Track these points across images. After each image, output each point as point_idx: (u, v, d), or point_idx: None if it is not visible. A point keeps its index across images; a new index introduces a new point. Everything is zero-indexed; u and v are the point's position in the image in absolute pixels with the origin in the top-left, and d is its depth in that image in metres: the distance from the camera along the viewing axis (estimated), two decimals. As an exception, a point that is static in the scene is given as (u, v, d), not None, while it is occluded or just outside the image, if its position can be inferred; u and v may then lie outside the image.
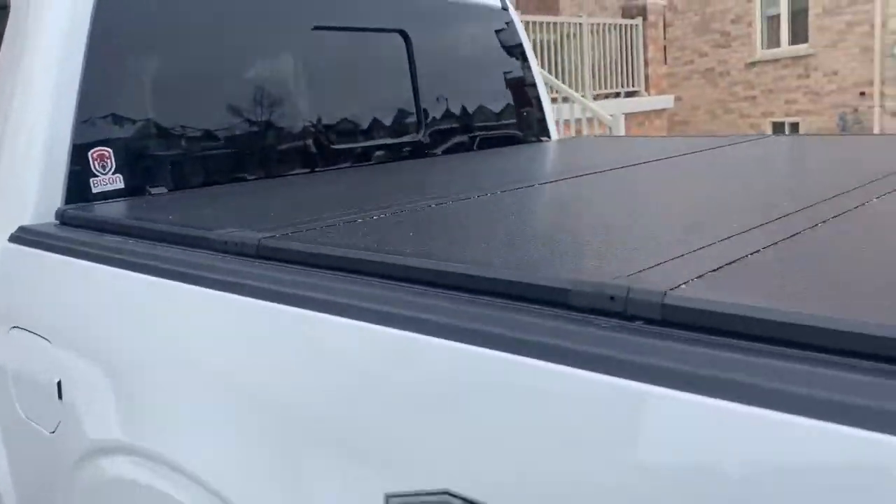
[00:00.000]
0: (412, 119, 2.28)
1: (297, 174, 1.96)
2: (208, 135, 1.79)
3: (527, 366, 0.70)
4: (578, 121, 7.46)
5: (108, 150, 1.59)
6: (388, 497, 0.81)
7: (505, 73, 2.61)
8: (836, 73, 12.49)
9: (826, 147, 2.08)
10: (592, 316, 0.73)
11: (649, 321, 0.70)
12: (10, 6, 1.60)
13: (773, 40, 13.81)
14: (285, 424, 0.93)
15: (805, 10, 12.90)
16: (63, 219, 1.45)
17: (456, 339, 0.76)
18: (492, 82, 2.57)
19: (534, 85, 2.72)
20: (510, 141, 2.60)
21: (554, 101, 7.68)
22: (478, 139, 2.47)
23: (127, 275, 1.16)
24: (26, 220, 1.47)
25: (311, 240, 1.06)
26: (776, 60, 13.53)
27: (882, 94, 12.02)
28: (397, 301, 0.84)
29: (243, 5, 1.87)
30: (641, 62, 10.33)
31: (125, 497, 1.13)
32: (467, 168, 1.96)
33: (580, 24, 9.35)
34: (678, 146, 2.17)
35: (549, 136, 2.79)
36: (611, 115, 7.10)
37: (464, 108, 2.43)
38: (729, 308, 0.66)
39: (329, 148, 2.05)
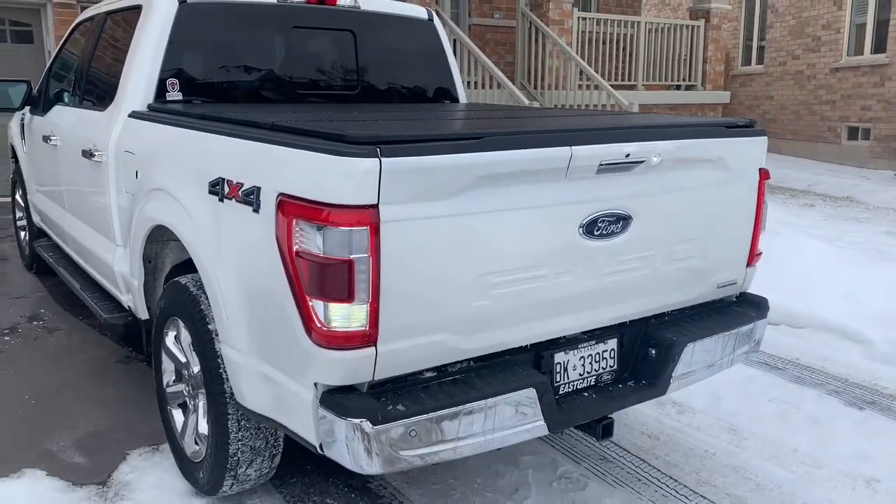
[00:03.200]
0: (352, 81, 4.03)
1: (277, 103, 3.75)
2: (226, 80, 3.62)
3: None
4: (604, 106, 8.86)
5: (175, 81, 3.46)
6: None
7: (425, 59, 4.29)
8: (907, 84, 12.93)
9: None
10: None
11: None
12: (140, 15, 3.50)
13: (858, 48, 14.28)
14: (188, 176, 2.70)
15: (888, 21, 13.35)
16: (150, 108, 3.33)
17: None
18: (414, 65, 4.25)
19: (447, 68, 4.38)
20: (424, 100, 4.28)
21: (588, 87, 9.13)
22: (397, 96, 4.18)
23: (168, 128, 2.98)
24: (136, 108, 3.36)
25: (238, 110, 2.83)
26: (857, 67, 14.04)
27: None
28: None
29: (248, 14, 3.67)
30: (701, 60, 11.43)
31: (157, 205, 2.96)
32: (371, 108, 3.68)
33: (637, 22, 10.63)
34: (493, 109, 3.79)
35: (458, 100, 4.44)
36: (628, 104, 8.48)
37: (388, 77, 4.14)
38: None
39: (297, 92, 3.84)
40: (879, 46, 13.69)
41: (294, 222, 2.07)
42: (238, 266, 2.40)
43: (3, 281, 5.92)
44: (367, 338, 2.06)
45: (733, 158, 2.81)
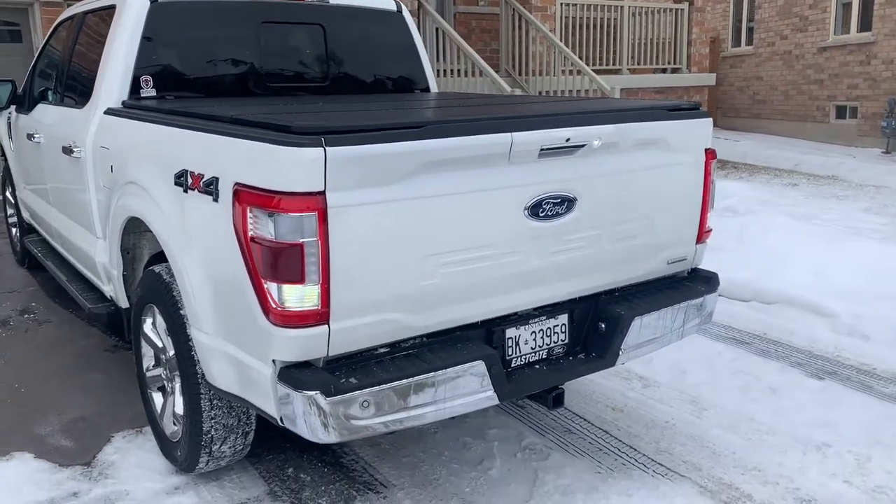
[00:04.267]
0: (321, 73, 4.16)
1: (248, 97, 3.88)
2: (197, 76, 3.76)
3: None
4: (587, 91, 8.98)
5: (149, 78, 3.59)
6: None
7: (395, 50, 4.42)
8: (892, 62, 13.01)
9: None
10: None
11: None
12: (114, 17, 3.63)
13: (844, 27, 14.36)
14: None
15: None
16: (124, 105, 3.47)
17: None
18: (384, 56, 4.38)
19: (418, 58, 4.50)
20: (394, 90, 4.41)
21: (571, 73, 9.24)
22: (367, 87, 4.31)
23: (138, 124, 3.12)
24: (111, 105, 3.50)
25: (199, 105, 2.96)
26: (843, 46, 14.12)
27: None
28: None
29: (219, 10, 3.80)
30: (685, 43, 11.52)
31: (131, 198, 3.11)
32: (336, 99, 3.81)
33: (621, 6, 10.71)
34: (455, 98, 3.92)
35: (429, 90, 4.57)
36: (610, 88, 8.58)
37: (358, 69, 4.27)
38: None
39: (268, 86, 3.97)
40: (865, 25, 13.77)
41: (248, 210, 2.21)
42: (202, 253, 2.55)
43: (-4, 276, 6.08)
44: (319, 316, 2.20)
45: (677, 140, 2.94)
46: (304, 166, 2.10)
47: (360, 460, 3.26)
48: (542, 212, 2.58)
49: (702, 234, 3.20)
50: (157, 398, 3.22)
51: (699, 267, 3.32)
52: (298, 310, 2.19)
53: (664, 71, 11.62)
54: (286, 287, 2.17)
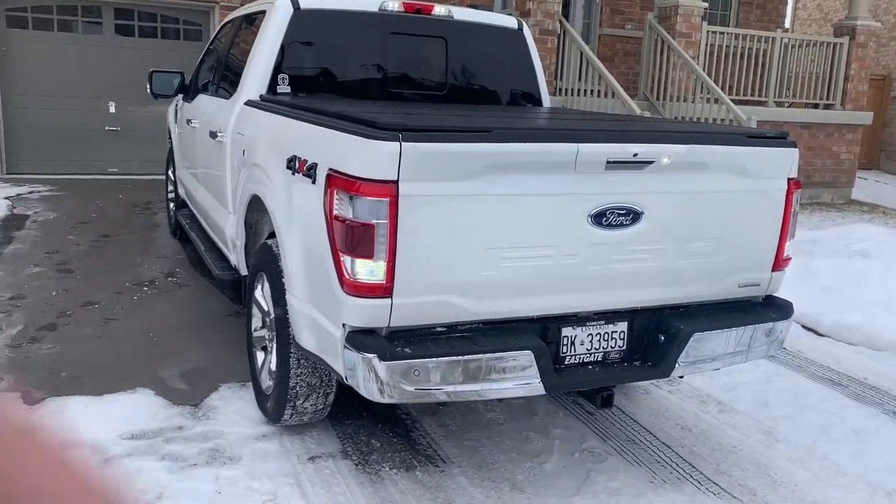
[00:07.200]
0: (441, 83, 4.50)
1: (370, 100, 4.28)
2: (327, 77, 4.20)
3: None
4: (723, 120, 8.83)
5: (285, 76, 4.06)
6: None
7: (511, 65, 4.69)
8: None
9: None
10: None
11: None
12: (263, 20, 4.14)
13: None
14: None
15: None
16: (262, 98, 3.95)
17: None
18: (500, 70, 4.66)
19: (534, 74, 4.75)
20: (507, 102, 4.68)
21: (709, 101, 9.13)
22: (481, 98, 4.60)
23: (265, 114, 3.57)
24: (251, 97, 4.00)
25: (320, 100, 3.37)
26: None
27: None
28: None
29: (352, 20, 4.22)
30: (842, 78, 11.02)
31: (254, 178, 3.56)
32: (446, 107, 4.13)
33: (772, 38, 10.42)
34: (566, 113, 4.13)
35: (541, 104, 4.80)
36: (747, 118, 8.41)
37: (475, 80, 4.57)
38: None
39: (389, 90, 4.36)
40: None
41: (335, 192, 2.56)
42: (301, 228, 2.92)
43: (152, 244, 6.89)
44: (384, 290, 2.51)
45: (756, 166, 3.02)
46: (383, 157, 2.41)
47: (427, 436, 3.53)
48: (605, 221, 2.76)
49: (779, 262, 3.23)
50: (260, 356, 3.65)
51: (775, 294, 3.34)
52: (367, 282, 2.50)
53: (815, 106, 11.14)
54: (358, 261, 2.49)
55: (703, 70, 9.51)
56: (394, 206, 2.43)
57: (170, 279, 5.79)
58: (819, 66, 10.94)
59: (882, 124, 16.65)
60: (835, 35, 11.23)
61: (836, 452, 3.62)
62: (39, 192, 9.17)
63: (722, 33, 10.09)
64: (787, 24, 15.54)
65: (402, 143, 2.39)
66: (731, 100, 9.06)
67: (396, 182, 2.42)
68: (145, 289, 5.52)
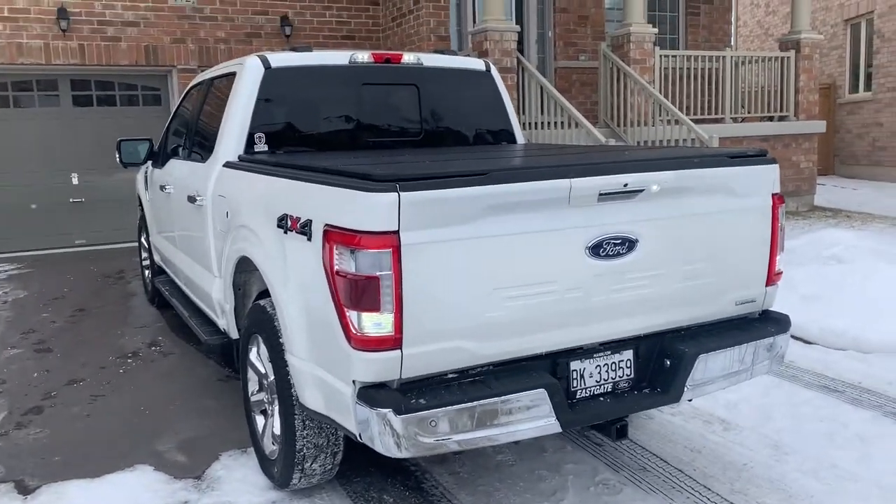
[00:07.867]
0: (416, 128, 4.53)
1: (348, 150, 4.29)
2: (304, 133, 4.20)
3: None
4: (685, 140, 9.01)
5: (262, 135, 4.05)
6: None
7: (483, 106, 4.74)
8: None
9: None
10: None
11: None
12: (234, 81, 4.14)
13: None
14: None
15: None
16: (240, 159, 3.93)
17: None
18: (473, 111, 4.71)
19: (506, 113, 4.81)
20: (482, 142, 4.72)
21: (669, 123, 9.32)
22: (457, 140, 4.64)
23: (249, 174, 3.55)
24: (229, 159, 3.97)
25: (296, 158, 3.35)
26: (970, 89, 13.41)
27: None
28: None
29: (324, 75, 4.24)
30: (792, 90, 11.35)
31: (242, 240, 3.52)
32: (426, 151, 4.15)
33: (723, 57, 10.72)
34: (538, 147, 4.18)
35: (515, 142, 4.85)
36: (709, 137, 8.60)
37: (449, 124, 4.61)
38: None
39: (367, 140, 4.37)
40: None
41: (334, 247, 2.53)
42: (298, 286, 2.89)
43: (130, 313, 6.75)
44: (393, 342, 2.48)
45: (741, 185, 3.07)
46: (381, 209, 2.40)
47: (440, 486, 3.47)
48: (602, 251, 2.77)
49: (771, 276, 3.27)
50: (260, 420, 3.57)
51: (771, 309, 3.38)
52: (375, 335, 2.47)
53: (770, 119, 11.45)
54: (364, 314, 2.46)
55: (660, 93, 9.72)
56: (396, 256, 2.42)
57: (153, 348, 5.67)
58: (769, 80, 11.27)
59: (833, 131, 17.13)
60: (780, 49, 11.59)
61: (844, 460, 3.64)
62: (6, 270, 8.97)
63: (674, 56, 10.35)
64: (732, 42, 16.01)
65: (401, 193, 2.39)
66: (690, 119, 9.26)
67: (397, 232, 2.41)
68: (130, 361, 5.39)
